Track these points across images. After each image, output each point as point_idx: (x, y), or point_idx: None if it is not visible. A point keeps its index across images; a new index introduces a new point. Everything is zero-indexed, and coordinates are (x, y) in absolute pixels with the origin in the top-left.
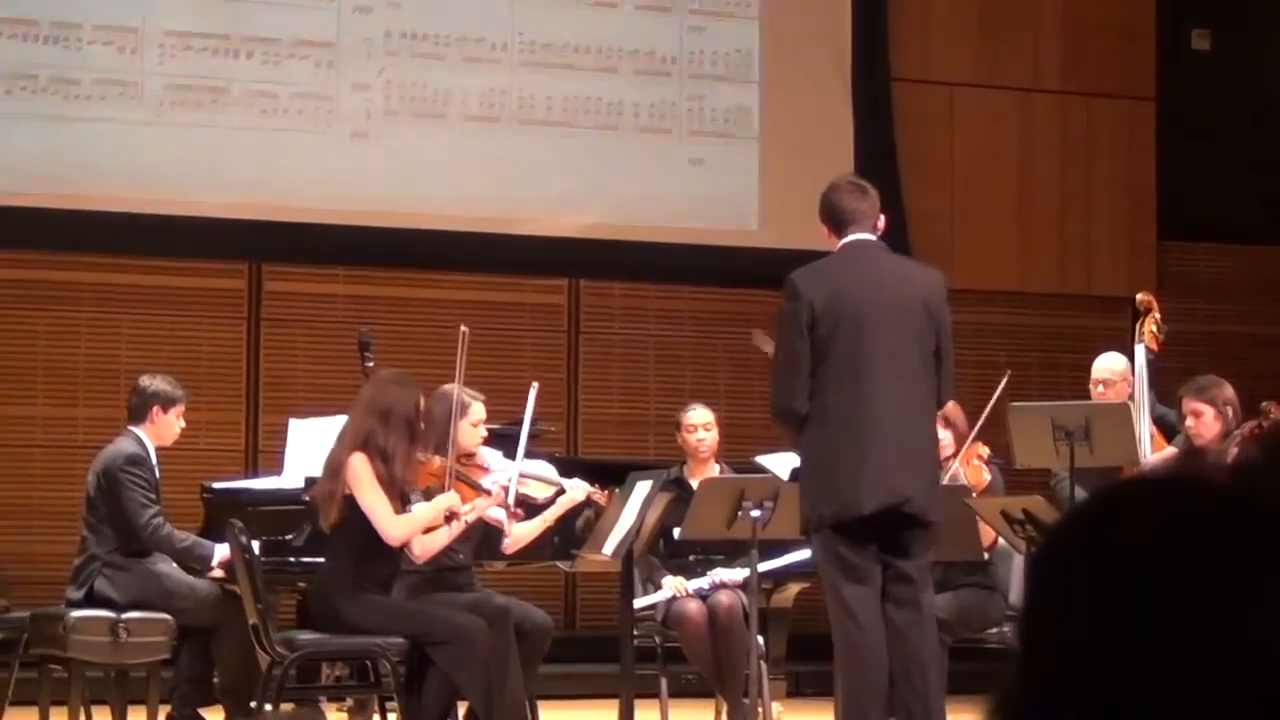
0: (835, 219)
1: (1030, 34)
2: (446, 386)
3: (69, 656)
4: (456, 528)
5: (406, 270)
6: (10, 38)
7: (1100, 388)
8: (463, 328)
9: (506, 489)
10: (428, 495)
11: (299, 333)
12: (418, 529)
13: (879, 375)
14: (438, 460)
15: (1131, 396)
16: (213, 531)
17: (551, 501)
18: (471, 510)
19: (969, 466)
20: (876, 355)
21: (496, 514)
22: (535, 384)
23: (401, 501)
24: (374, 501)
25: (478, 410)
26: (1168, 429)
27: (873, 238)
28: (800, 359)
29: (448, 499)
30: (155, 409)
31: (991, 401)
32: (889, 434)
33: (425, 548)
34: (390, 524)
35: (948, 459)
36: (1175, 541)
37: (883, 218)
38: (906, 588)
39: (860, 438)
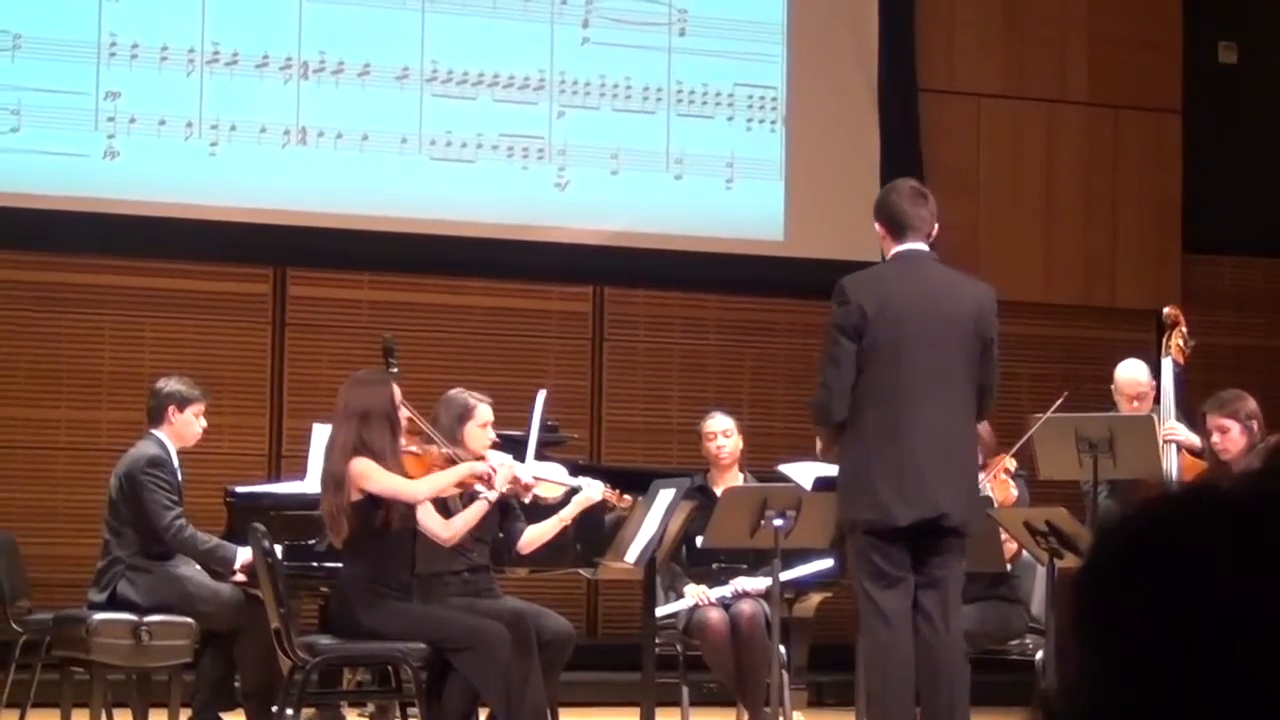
0: (893, 222)
1: (1057, 46)
2: (453, 391)
3: (91, 659)
4: (480, 507)
5: (431, 276)
6: (37, 50)
7: (1135, 403)
8: (541, 390)
9: (516, 475)
10: None
11: (323, 337)
12: (440, 489)
13: (922, 388)
14: (436, 450)
15: (1157, 399)
16: (235, 536)
17: (564, 501)
18: (495, 481)
19: (996, 481)
20: (921, 368)
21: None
22: (543, 391)
23: None
24: (389, 481)
25: (484, 412)
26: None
27: (926, 248)
28: (846, 364)
29: (469, 465)
30: (170, 409)
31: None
32: (929, 447)
33: (454, 530)
34: (411, 488)
35: None
36: (1257, 549)
37: (936, 226)
38: (937, 598)
39: (900, 449)
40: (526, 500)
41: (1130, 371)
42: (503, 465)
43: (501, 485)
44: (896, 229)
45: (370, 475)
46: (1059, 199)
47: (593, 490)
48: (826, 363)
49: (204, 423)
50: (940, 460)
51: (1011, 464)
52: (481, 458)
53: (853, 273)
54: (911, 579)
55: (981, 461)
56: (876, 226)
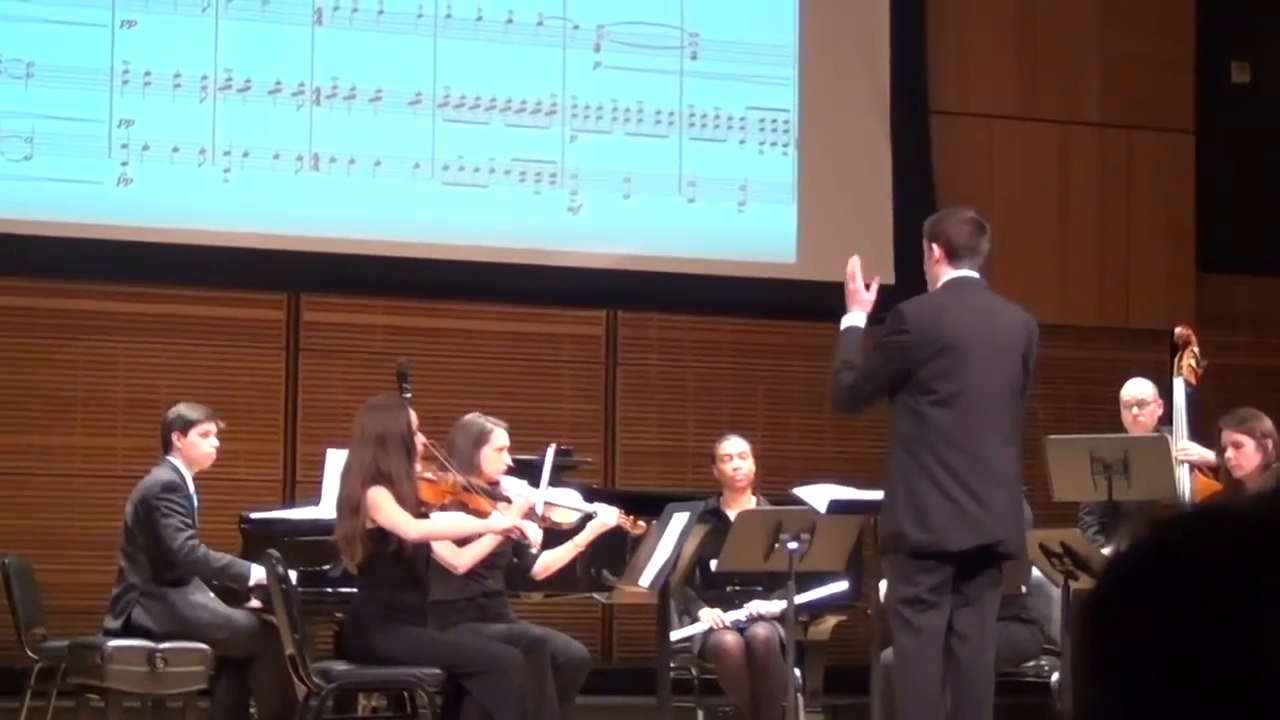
0: (951, 248)
1: (1069, 66)
2: (469, 415)
3: (106, 686)
4: (492, 541)
5: (445, 301)
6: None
7: (1135, 409)
8: (551, 445)
9: (531, 504)
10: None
11: (337, 363)
12: (438, 533)
13: (978, 415)
14: (451, 477)
15: (1163, 419)
16: (250, 561)
17: (578, 527)
18: (509, 520)
19: None
20: (977, 393)
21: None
22: (553, 444)
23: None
24: (390, 512)
25: (500, 437)
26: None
27: (978, 276)
28: (883, 380)
29: (491, 522)
30: (175, 435)
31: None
32: (984, 474)
33: (466, 560)
34: (407, 525)
35: None
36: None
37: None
38: (975, 617)
39: (957, 473)
40: (540, 531)
41: (1132, 383)
42: (519, 495)
43: (523, 528)
44: (953, 253)
45: (380, 507)
46: (1072, 220)
47: (607, 516)
48: (868, 368)
49: (215, 442)
50: (994, 487)
51: None
52: (496, 483)
53: (911, 298)
54: (948, 601)
55: None
56: (934, 248)
